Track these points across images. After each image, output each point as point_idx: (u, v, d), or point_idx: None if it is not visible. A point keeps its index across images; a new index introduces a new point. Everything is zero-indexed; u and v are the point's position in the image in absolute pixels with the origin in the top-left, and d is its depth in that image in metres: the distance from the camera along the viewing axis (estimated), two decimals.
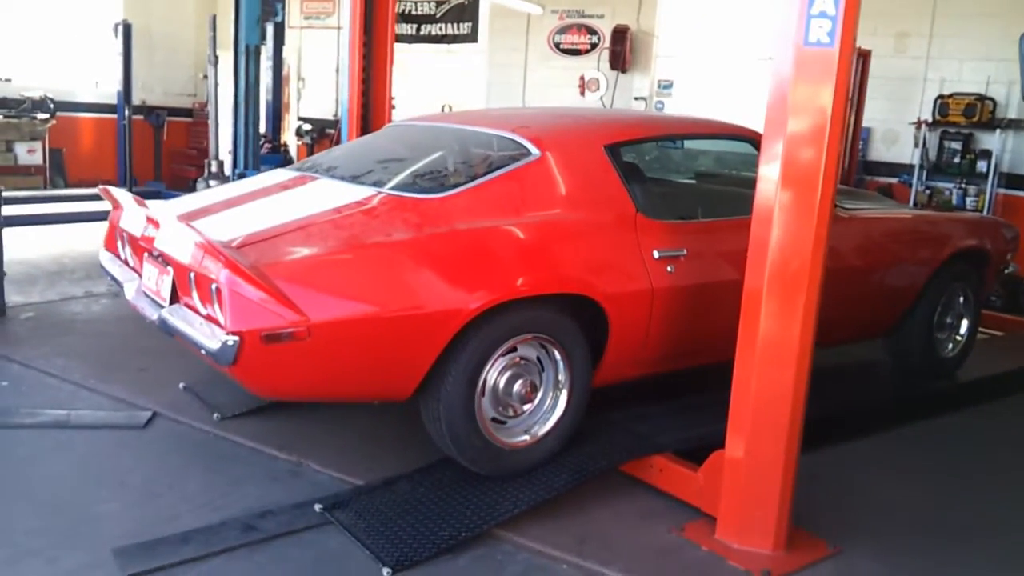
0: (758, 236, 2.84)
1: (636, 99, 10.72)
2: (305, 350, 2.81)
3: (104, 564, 2.71)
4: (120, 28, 9.64)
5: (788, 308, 2.80)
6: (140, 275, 3.56)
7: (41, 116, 10.76)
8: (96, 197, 4.21)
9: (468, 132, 4.03)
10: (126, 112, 9.16)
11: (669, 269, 3.52)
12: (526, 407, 3.33)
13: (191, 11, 13.01)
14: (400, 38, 10.61)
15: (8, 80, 10.90)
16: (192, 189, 7.35)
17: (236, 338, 2.74)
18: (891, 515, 3.39)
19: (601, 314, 3.35)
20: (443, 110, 11.14)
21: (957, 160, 8.81)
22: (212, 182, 7.27)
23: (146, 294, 3.45)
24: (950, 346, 5.00)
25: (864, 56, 8.43)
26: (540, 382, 3.35)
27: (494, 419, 3.25)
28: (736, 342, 2.95)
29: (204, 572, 2.72)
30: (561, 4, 11.00)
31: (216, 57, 7.96)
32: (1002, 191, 8.64)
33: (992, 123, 8.53)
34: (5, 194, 5.23)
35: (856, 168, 8.98)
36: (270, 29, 8.83)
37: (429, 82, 12.12)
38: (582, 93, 10.89)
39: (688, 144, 5.57)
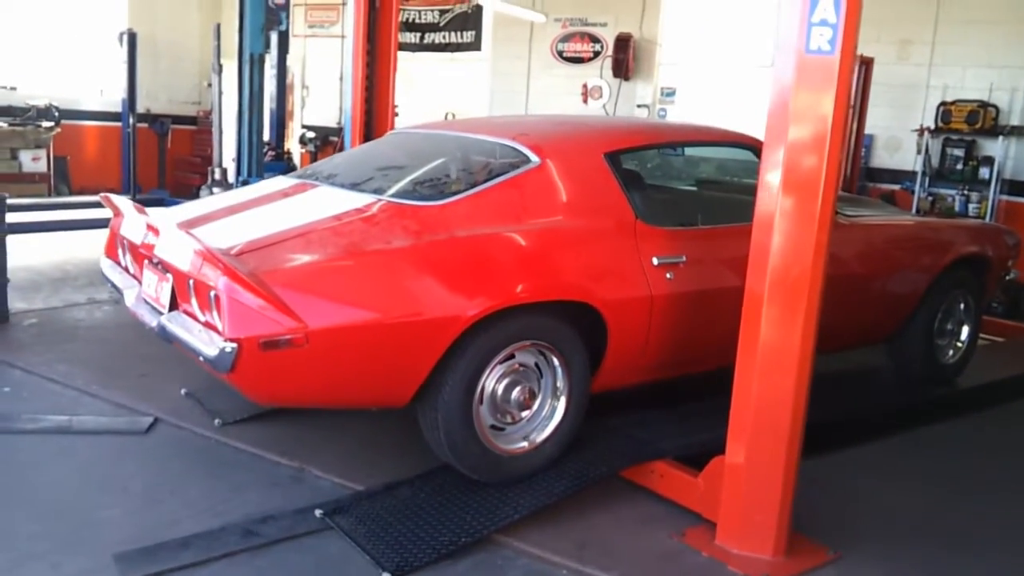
0: (759, 243, 2.85)
1: (639, 107, 10.74)
2: (303, 357, 2.81)
3: (105, 569, 2.71)
4: (125, 36, 9.66)
5: (789, 314, 2.81)
6: (140, 282, 3.57)
7: (46, 124, 10.80)
8: (100, 204, 4.23)
9: (468, 140, 4.05)
10: (130, 120, 9.16)
11: (668, 276, 3.52)
12: (524, 414, 3.32)
13: (196, 20, 13.07)
14: (404, 46, 10.66)
15: (13, 88, 10.95)
16: (196, 197, 7.37)
17: (234, 345, 2.74)
18: (891, 521, 3.39)
19: (600, 321, 3.35)
20: (446, 118, 11.17)
21: (960, 167, 8.79)
22: (216, 190, 7.30)
23: (146, 301, 3.46)
24: (951, 353, 5.00)
25: (867, 63, 8.45)
26: (538, 389, 3.35)
27: (493, 426, 3.25)
28: (735, 349, 2.95)
29: None
30: (564, 12, 11.03)
31: (220, 65, 8.00)
32: (1005, 198, 8.63)
33: (995, 130, 8.53)
34: (9, 201, 5.26)
35: (859, 175, 8.98)
36: (274, 38, 8.88)
37: (433, 90, 12.15)
38: (585, 101, 10.91)
39: (688, 151, 5.57)
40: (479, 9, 11.64)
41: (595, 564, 2.89)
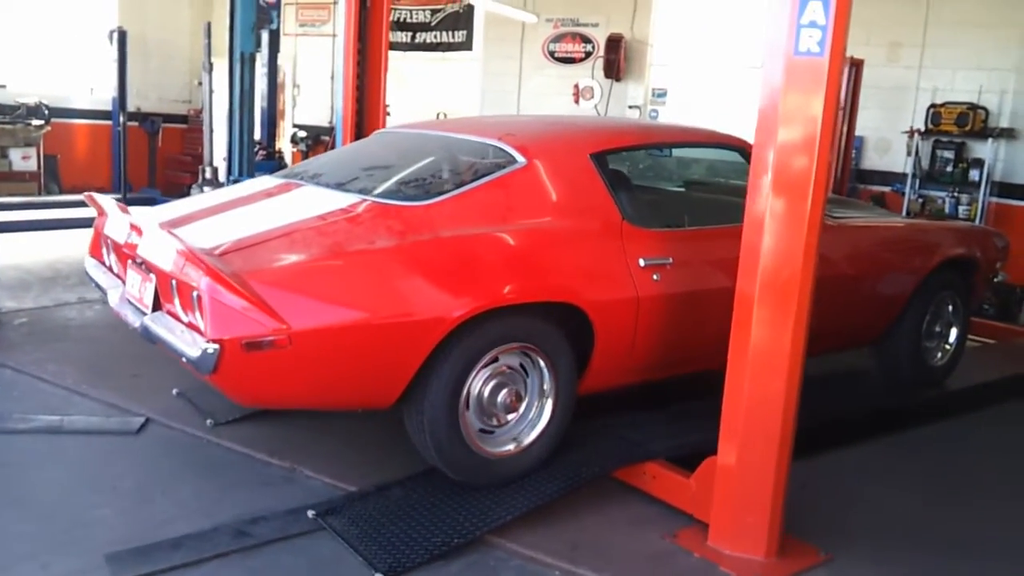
0: (750, 244, 2.86)
1: (630, 107, 10.75)
2: (286, 358, 2.80)
3: (97, 569, 2.71)
4: (115, 35, 9.63)
5: (779, 315, 2.82)
6: (124, 282, 3.55)
7: (36, 122, 10.75)
8: None
9: (455, 140, 4.04)
10: (121, 118, 9.13)
11: (655, 277, 3.52)
12: (511, 416, 3.31)
13: (186, 18, 13.01)
14: (395, 46, 10.63)
15: (3, 86, 10.88)
16: (187, 195, 7.35)
17: (216, 346, 2.73)
18: (882, 522, 3.41)
19: (586, 322, 3.35)
20: (438, 117, 11.16)
21: (950, 169, 8.83)
22: (206, 188, 7.28)
23: (129, 301, 3.45)
24: (939, 355, 5.00)
25: (857, 65, 8.47)
26: (525, 391, 3.34)
27: (480, 429, 3.24)
28: (723, 350, 2.96)
29: None
30: (556, 13, 11.03)
31: (211, 64, 7.97)
32: (995, 200, 8.66)
33: (984, 132, 8.56)
34: None
35: (849, 177, 9.00)
36: (265, 36, 8.84)
37: (424, 90, 12.14)
38: (576, 101, 10.92)
39: (676, 153, 5.58)
40: (470, 9, 11.64)
41: (587, 565, 2.90)
